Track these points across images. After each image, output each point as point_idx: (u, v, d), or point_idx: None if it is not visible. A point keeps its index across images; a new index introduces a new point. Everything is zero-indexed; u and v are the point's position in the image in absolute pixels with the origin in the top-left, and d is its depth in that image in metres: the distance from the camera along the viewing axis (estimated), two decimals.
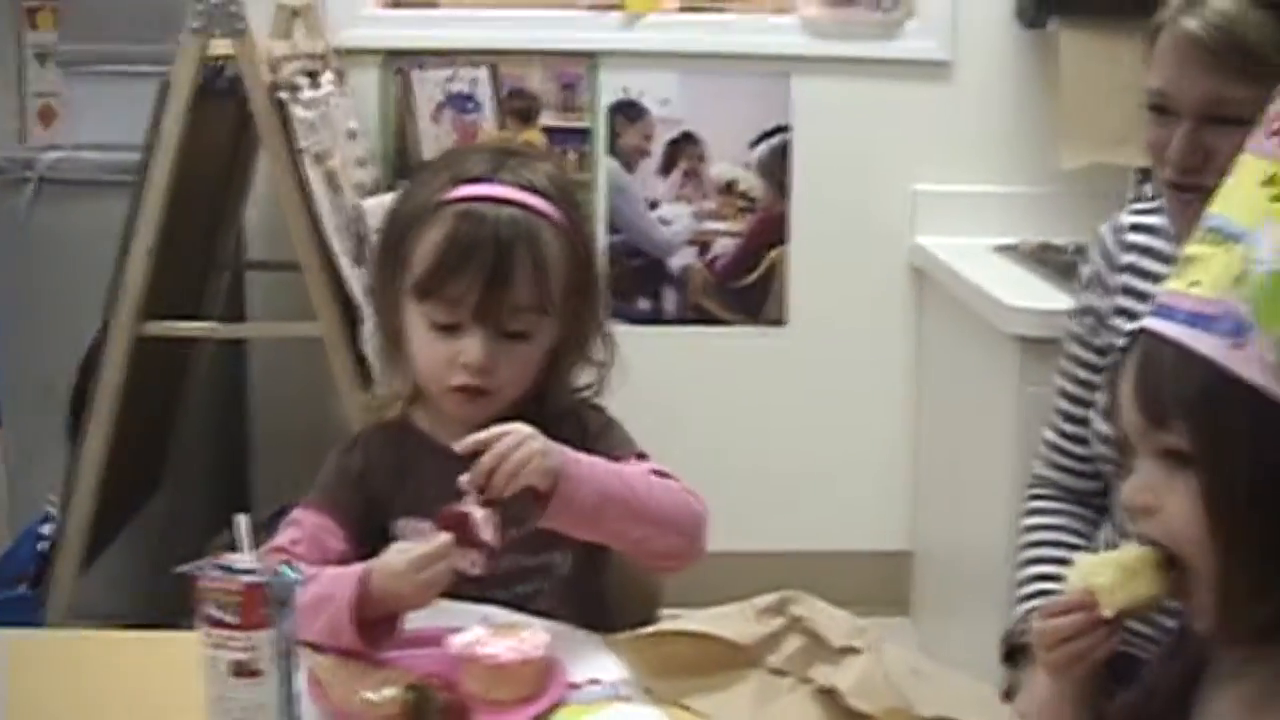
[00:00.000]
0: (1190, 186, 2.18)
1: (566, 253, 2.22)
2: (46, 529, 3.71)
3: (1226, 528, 1.48)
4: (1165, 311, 1.53)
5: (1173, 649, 1.72)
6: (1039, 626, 1.71)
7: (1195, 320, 1.48)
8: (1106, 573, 1.63)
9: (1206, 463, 1.48)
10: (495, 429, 2.07)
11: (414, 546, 2.04)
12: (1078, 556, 1.73)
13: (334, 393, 3.50)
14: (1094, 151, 4.18)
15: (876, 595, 4.51)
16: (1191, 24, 2.18)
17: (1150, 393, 1.52)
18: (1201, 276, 1.50)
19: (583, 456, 2.13)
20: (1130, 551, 1.62)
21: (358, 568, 2.06)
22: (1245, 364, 1.45)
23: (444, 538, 2.01)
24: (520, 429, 2.07)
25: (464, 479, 2.04)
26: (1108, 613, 1.64)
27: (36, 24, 7.02)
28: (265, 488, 4.13)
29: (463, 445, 2.06)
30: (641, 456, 2.31)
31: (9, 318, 4.23)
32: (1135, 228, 2.48)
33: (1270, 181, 1.49)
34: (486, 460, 2.03)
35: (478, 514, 2.04)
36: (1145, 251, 2.43)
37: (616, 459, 2.24)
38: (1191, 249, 1.54)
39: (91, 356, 3.59)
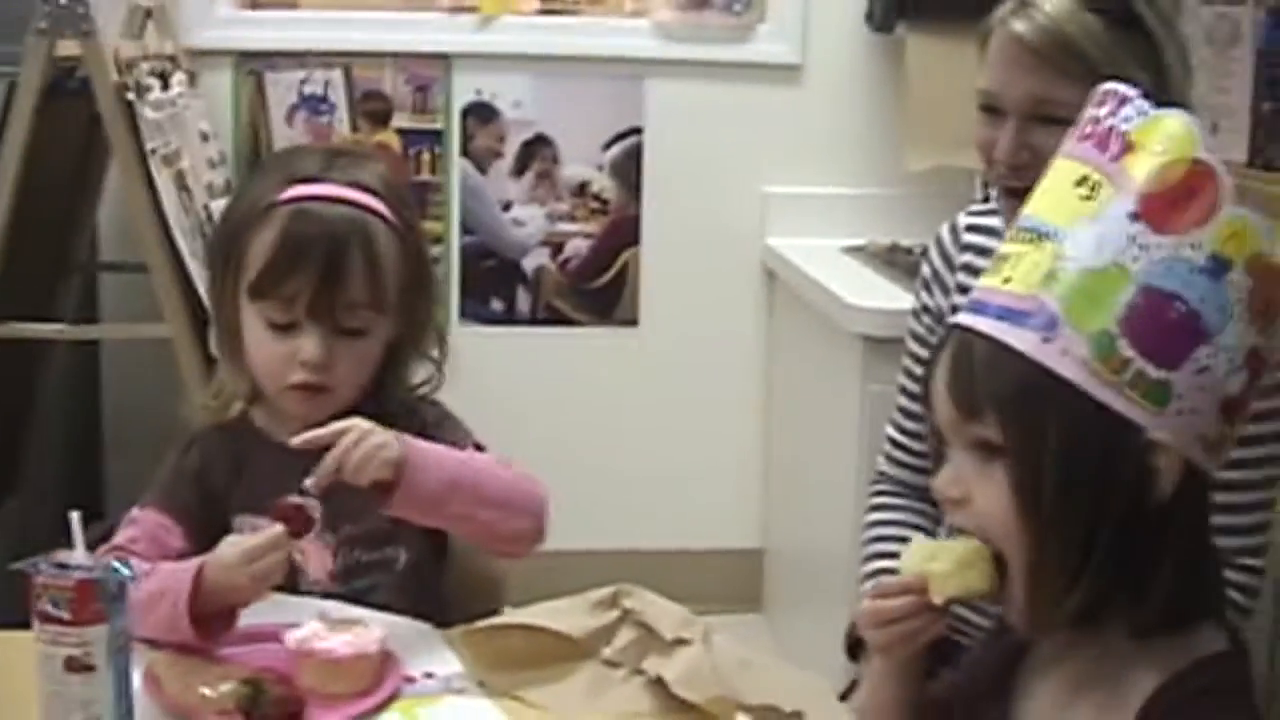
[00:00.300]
0: (1019, 188, 2.23)
1: (399, 250, 2.24)
2: None
3: (1036, 518, 1.53)
4: (978, 306, 1.58)
5: (996, 632, 1.77)
6: (868, 606, 1.74)
7: (1007, 315, 1.54)
8: (943, 561, 1.67)
9: (1017, 454, 1.53)
10: (334, 425, 2.09)
11: (246, 539, 2.06)
12: (915, 537, 1.76)
13: (185, 393, 3.50)
14: (939, 154, 4.24)
15: (729, 593, 4.57)
16: (1020, 26, 2.23)
17: (963, 385, 1.57)
18: (1013, 273, 1.55)
19: (425, 444, 2.15)
20: (969, 544, 1.65)
21: (193, 562, 2.07)
22: (1055, 358, 1.50)
23: (276, 529, 2.04)
24: (359, 424, 2.09)
25: (308, 482, 2.07)
26: (937, 599, 1.67)
27: None
28: (118, 489, 4.12)
29: (300, 440, 2.09)
30: (479, 448, 2.33)
31: None
32: (971, 228, 2.54)
33: (1081, 182, 1.55)
34: (330, 461, 2.06)
35: (311, 506, 2.07)
36: (981, 251, 2.47)
37: (461, 447, 2.28)
38: (1005, 247, 1.60)
39: None
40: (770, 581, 4.75)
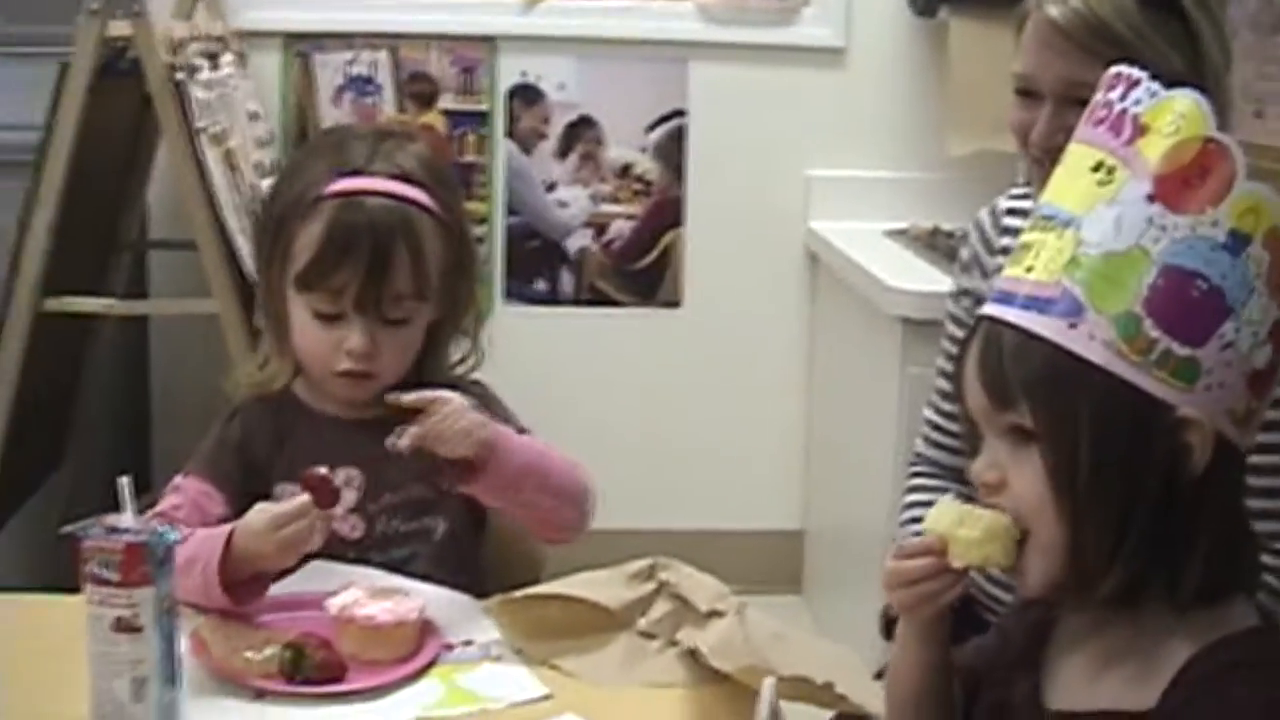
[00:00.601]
0: (1054, 165, 2.26)
1: (441, 237, 2.29)
2: None
3: (1072, 501, 1.54)
4: (1004, 297, 1.60)
5: (1026, 603, 1.78)
6: (890, 566, 1.76)
7: (1032, 304, 1.55)
8: (970, 528, 1.68)
9: (1050, 439, 1.55)
10: (429, 393, 2.16)
11: (273, 506, 2.11)
12: (943, 498, 1.76)
13: (231, 368, 3.54)
14: (981, 138, 4.24)
15: (769, 574, 4.60)
16: (1054, 10, 2.23)
17: (993, 375, 1.59)
18: (1035, 262, 1.57)
19: (507, 429, 2.22)
20: (999, 517, 1.67)
21: (224, 529, 2.12)
22: (1082, 343, 1.52)
23: (303, 498, 2.08)
24: (454, 398, 2.16)
25: (394, 439, 2.14)
26: (957, 564, 1.69)
27: None
28: (165, 462, 4.17)
29: (394, 398, 2.17)
30: (522, 431, 2.37)
31: None
32: (1011, 211, 2.54)
33: (1097, 168, 1.56)
34: (424, 428, 2.13)
35: (338, 477, 2.13)
36: (1020, 234, 2.49)
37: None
38: (1026, 236, 1.61)
39: None
40: (810, 563, 4.77)
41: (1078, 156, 1.60)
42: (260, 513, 2.10)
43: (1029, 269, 1.57)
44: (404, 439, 2.13)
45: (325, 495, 2.10)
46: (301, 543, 2.09)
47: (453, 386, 2.35)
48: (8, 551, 3.81)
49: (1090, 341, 1.52)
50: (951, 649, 1.83)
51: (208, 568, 2.07)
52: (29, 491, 3.96)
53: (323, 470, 2.12)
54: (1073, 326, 1.52)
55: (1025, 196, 2.53)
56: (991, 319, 1.60)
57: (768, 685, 1.49)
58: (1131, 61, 1.65)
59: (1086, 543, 1.55)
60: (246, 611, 2.09)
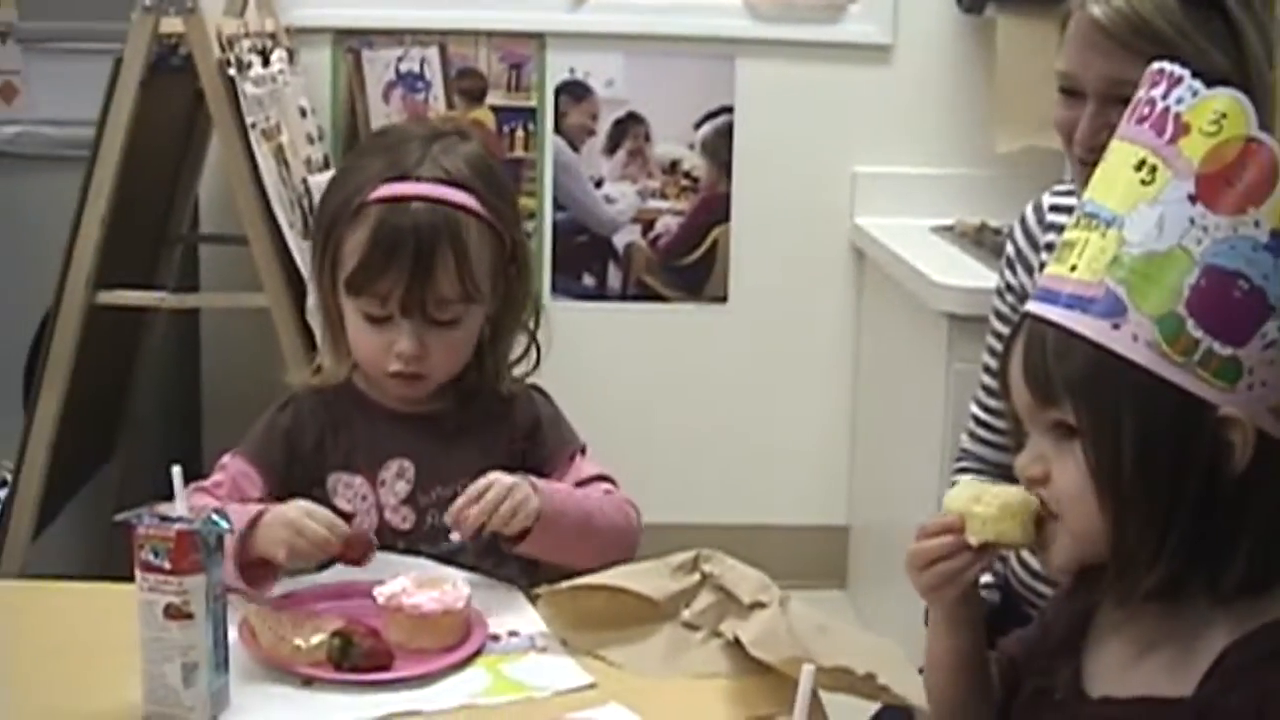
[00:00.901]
0: (1097, 163, 2.26)
1: (489, 239, 2.31)
2: (0, 494, 3.78)
3: (1115, 499, 1.56)
4: (1047, 295, 1.61)
5: (1068, 593, 1.80)
6: (911, 548, 1.78)
7: (1075, 303, 1.56)
8: (986, 504, 1.69)
9: (1093, 437, 1.56)
10: (480, 484, 2.18)
11: (311, 513, 2.14)
12: (963, 477, 1.77)
13: (282, 362, 3.57)
14: (1028, 135, 4.24)
15: (814, 569, 4.61)
16: (1096, 9, 2.24)
17: (1037, 373, 1.60)
18: (1078, 260, 1.58)
19: (553, 491, 2.24)
20: (1017, 494, 1.69)
21: (256, 507, 2.16)
22: (1125, 343, 1.53)
23: (335, 535, 2.13)
24: (500, 479, 2.18)
25: (454, 535, 2.18)
26: (972, 541, 1.70)
27: None
28: (215, 454, 4.20)
29: (450, 517, 2.18)
30: (583, 451, 2.43)
31: None
32: (1056, 208, 2.55)
33: (1140, 166, 1.57)
34: (478, 515, 2.15)
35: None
36: (1064, 231, 2.49)
37: (565, 454, 2.40)
38: (1069, 234, 1.62)
39: (46, 325, 3.65)
40: (855, 558, 4.78)
41: (1120, 154, 1.61)
42: (296, 510, 2.14)
43: (1072, 268, 1.58)
44: (460, 531, 2.17)
45: (356, 552, 2.14)
46: (302, 560, 2.13)
47: (524, 398, 2.43)
48: (60, 542, 3.84)
49: (1133, 342, 1.53)
50: (996, 642, 1.85)
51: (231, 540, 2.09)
52: (80, 483, 3.99)
53: (371, 536, 2.18)
54: (1116, 327, 1.53)
55: (1070, 193, 2.54)
56: (1035, 317, 1.62)
57: (807, 672, 1.51)
58: (1174, 59, 1.65)
59: (1128, 539, 1.57)
60: (248, 591, 2.11)
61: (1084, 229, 1.60)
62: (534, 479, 2.22)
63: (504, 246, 2.33)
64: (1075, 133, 2.32)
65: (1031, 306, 1.63)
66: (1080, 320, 1.56)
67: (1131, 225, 1.55)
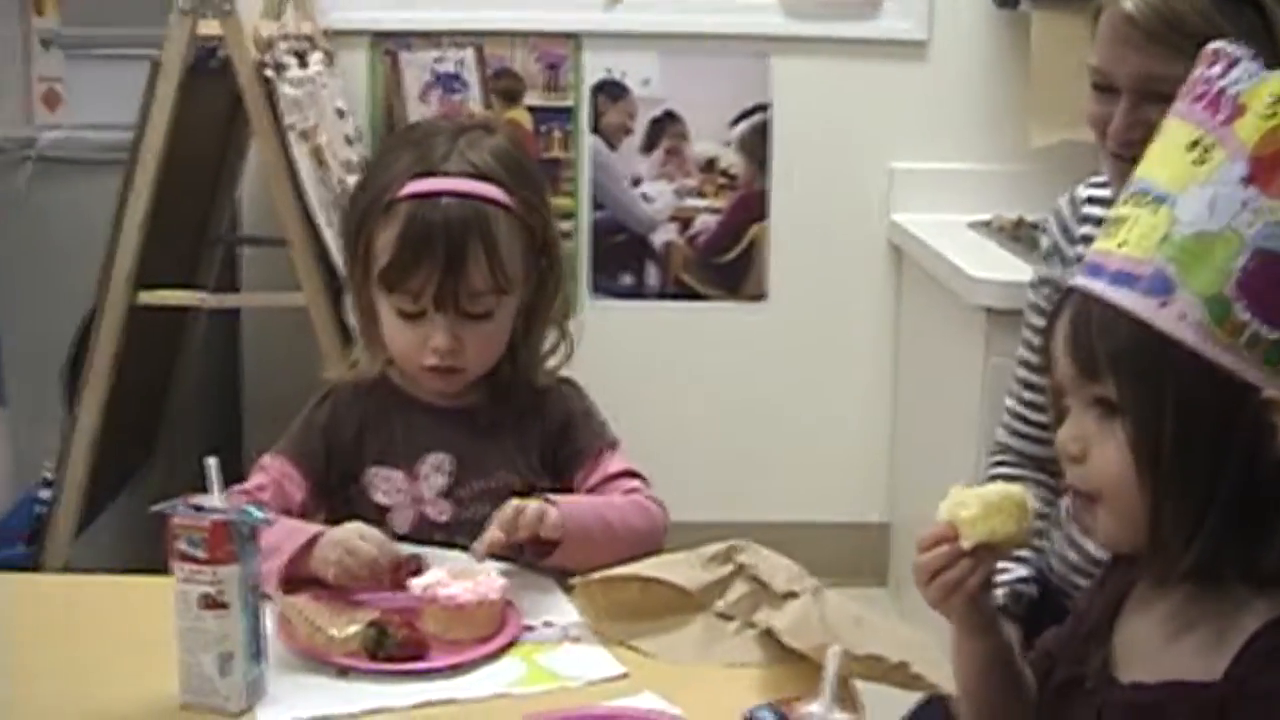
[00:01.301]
0: (1132, 158, 2.24)
1: (520, 231, 2.31)
2: (44, 494, 3.81)
3: (1155, 477, 1.55)
4: (1094, 269, 1.60)
5: (1100, 579, 1.80)
6: (913, 562, 1.78)
7: (1123, 279, 1.55)
8: (970, 506, 1.69)
9: (1135, 415, 1.55)
10: (501, 518, 2.19)
11: (370, 533, 2.17)
12: (953, 487, 1.78)
13: (321, 361, 3.59)
14: (1064, 129, 4.23)
15: (854, 566, 4.61)
16: (1128, 4, 2.22)
17: (1081, 347, 1.59)
18: (1128, 236, 1.57)
19: (576, 508, 2.25)
20: (996, 488, 1.69)
21: (313, 529, 2.18)
22: (1172, 322, 1.52)
23: (386, 557, 2.15)
24: (514, 506, 2.19)
25: (475, 547, 2.17)
26: (965, 544, 1.70)
27: (41, 10, 7.12)
28: (256, 453, 4.24)
29: (478, 551, 2.18)
30: (614, 446, 2.44)
31: (9, 292, 4.33)
32: (1091, 200, 2.52)
33: (1193, 146, 1.55)
34: (497, 531, 2.17)
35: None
36: (1100, 223, 2.42)
37: (595, 450, 2.41)
38: (1119, 210, 1.61)
39: (87, 326, 3.68)
40: (896, 555, 4.78)
41: (1175, 132, 1.60)
42: (348, 530, 2.17)
43: (1121, 244, 1.57)
44: (480, 549, 2.17)
45: (405, 573, 2.15)
46: (351, 578, 2.13)
47: (556, 394, 2.44)
48: (101, 541, 3.87)
49: (1180, 321, 1.52)
50: (1035, 640, 1.85)
51: (279, 559, 2.12)
52: (122, 482, 4.02)
53: (417, 563, 2.18)
54: (1163, 305, 1.52)
55: (1105, 185, 2.51)
56: (1081, 290, 1.62)
57: (832, 654, 1.51)
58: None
59: (1167, 519, 1.56)
60: (329, 590, 2.13)
61: (1134, 205, 1.59)
62: (552, 497, 2.23)
63: (534, 237, 2.34)
64: (1108, 128, 2.31)
65: (1078, 280, 1.62)
66: (1127, 296, 1.55)
67: (1183, 204, 1.54)
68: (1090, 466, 1.62)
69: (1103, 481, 1.60)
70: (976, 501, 1.69)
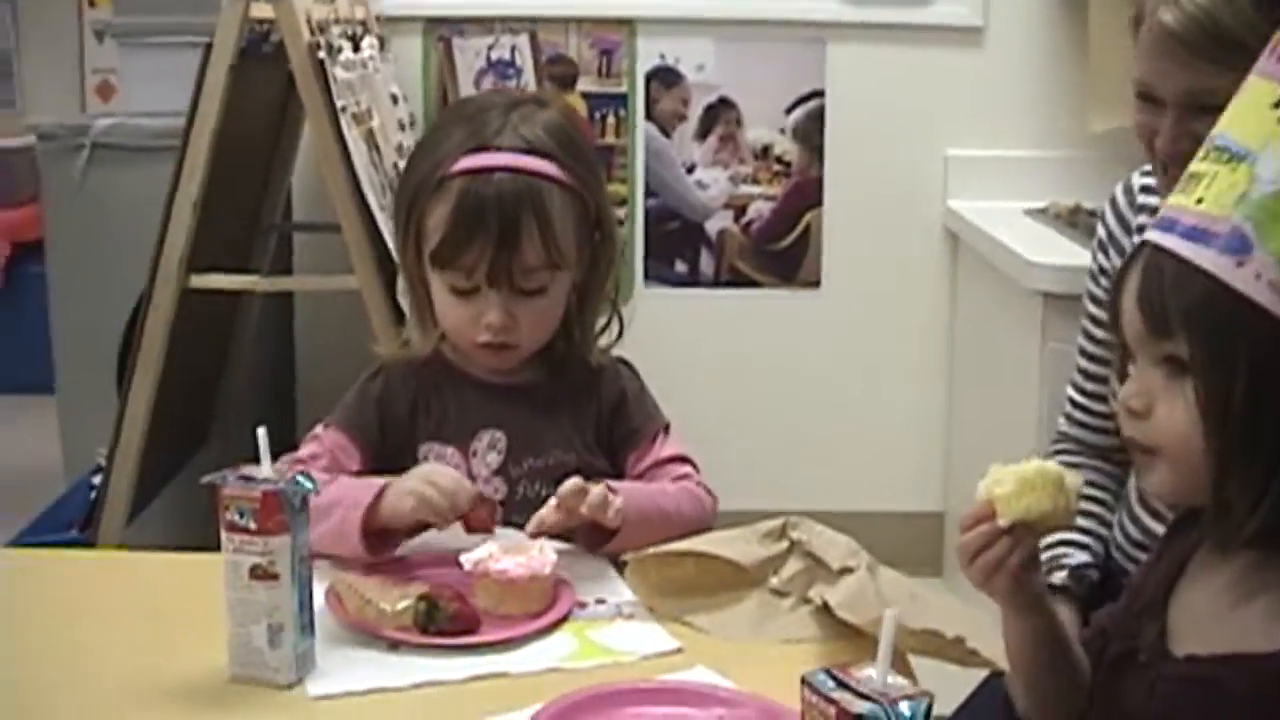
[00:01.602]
0: (1180, 169, 2.19)
1: (573, 206, 2.31)
2: (97, 479, 3.82)
3: (1222, 438, 1.53)
4: (1168, 224, 1.58)
5: (1157, 553, 1.78)
6: (956, 543, 1.76)
7: (1197, 235, 1.53)
8: (1006, 483, 1.68)
9: (1205, 373, 1.53)
10: (568, 489, 2.18)
11: (447, 469, 2.17)
12: (992, 467, 1.76)
13: (374, 344, 3.59)
14: (1123, 114, 4.16)
15: (909, 556, 4.53)
16: (1169, 17, 2.17)
17: (1153, 303, 1.57)
18: (1205, 193, 1.55)
19: (633, 493, 2.24)
20: (1032, 465, 1.67)
21: (377, 481, 2.17)
22: (1246, 280, 1.50)
23: (466, 496, 2.14)
24: (593, 489, 2.18)
25: (529, 526, 2.17)
26: (1002, 523, 1.69)
27: (94, 2, 7.17)
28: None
29: (531, 528, 2.18)
30: (666, 428, 2.43)
31: (64, 278, 4.35)
32: (1146, 189, 2.49)
33: (1277, 105, 1.54)
34: (557, 521, 2.17)
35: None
36: (1155, 212, 2.43)
37: (649, 431, 2.41)
38: (1196, 165, 1.58)
39: (140, 310, 3.69)
40: (951, 544, 4.73)
41: (1257, 91, 1.57)
42: (425, 468, 2.18)
43: (1199, 200, 1.55)
44: (534, 527, 2.17)
45: (484, 512, 2.16)
46: (432, 509, 2.12)
47: (611, 371, 2.43)
48: (155, 527, 3.87)
49: (1256, 281, 1.50)
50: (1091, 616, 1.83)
51: (351, 513, 2.11)
52: (176, 468, 4.02)
53: (492, 506, 2.20)
54: (1239, 264, 1.51)
55: None
56: (1154, 245, 1.59)
57: (889, 617, 1.49)
58: (1250, 62, 1.62)
59: (1233, 482, 1.54)
60: (381, 565, 2.12)
61: (1213, 161, 1.57)
62: (612, 483, 2.22)
63: (587, 212, 2.33)
64: (1156, 139, 2.28)
65: (1151, 235, 1.60)
66: (1203, 254, 1.53)
67: (1265, 162, 1.52)
68: (1154, 423, 1.60)
69: (1167, 439, 1.59)
70: (1012, 478, 1.68)
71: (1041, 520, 1.70)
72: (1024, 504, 1.67)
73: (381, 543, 2.15)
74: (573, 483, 2.16)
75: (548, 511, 2.16)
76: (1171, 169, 2.23)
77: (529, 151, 2.28)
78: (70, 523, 3.85)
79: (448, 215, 2.26)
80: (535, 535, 2.15)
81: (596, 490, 2.16)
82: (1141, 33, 2.25)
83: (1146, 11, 2.23)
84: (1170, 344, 1.56)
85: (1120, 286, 1.63)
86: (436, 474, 2.15)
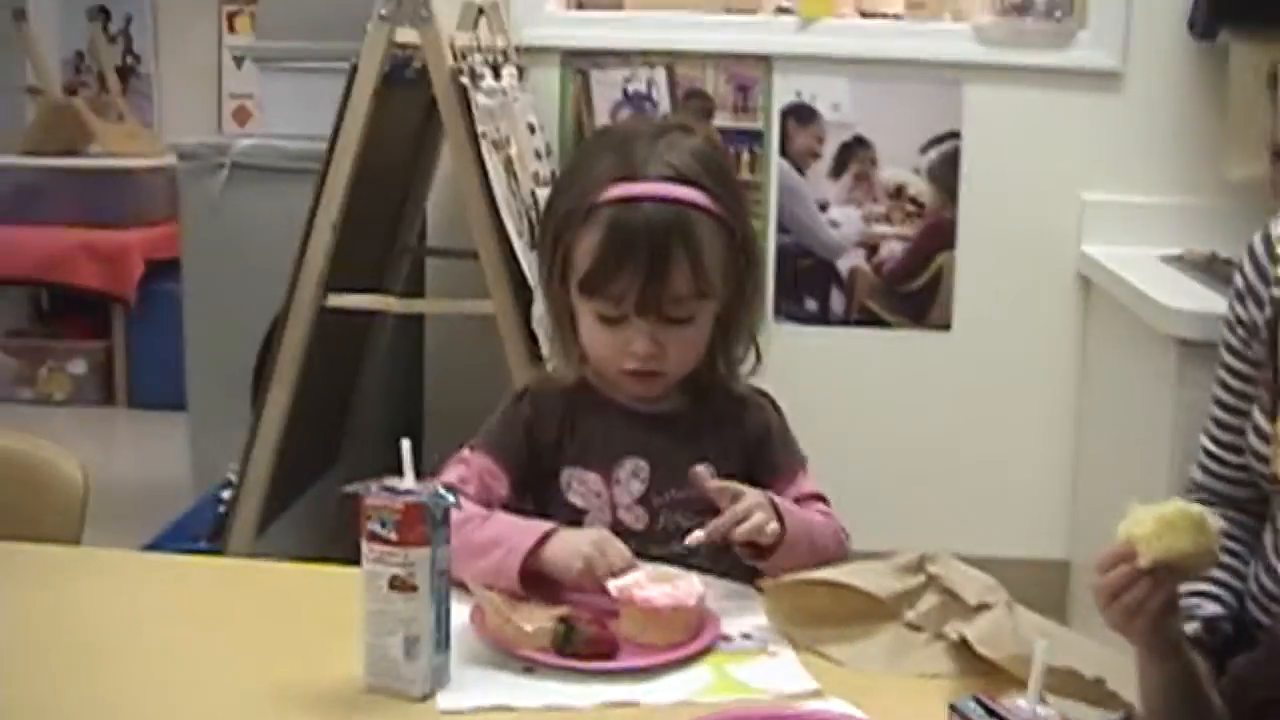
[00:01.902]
0: None
1: (721, 235, 2.29)
2: (225, 494, 3.85)
3: None
4: None
5: None
6: (1092, 584, 1.75)
7: None
8: (1146, 524, 1.67)
9: None
10: (733, 487, 2.20)
11: (607, 541, 2.15)
12: (1131, 507, 1.74)
13: (506, 371, 3.61)
14: (1261, 163, 4.15)
15: (1033, 604, 4.51)
16: None
17: None
18: None
19: (791, 517, 2.23)
20: (1173, 505, 1.66)
21: (543, 525, 2.16)
22: None
23: (619, 566, 2.12)
24: (752, 496, 2.20)
25: (691, 538, 2.18)
26: (1143, 563, 1.67)
27: (234, 27, 7.28)
28: (437, 463, 4.28)
29: (707, 484, 2.21)
30: (804, 465, 2.43)
31: (199, 295, 4.40)
32: None
33: None
34: (721, 529, 2.17)
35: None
36: None
37: (791, 468, 2.40)
38: None
39: (276, 328, 3.72)
40: (1075, 594, 4.71)
41: None
42: (592, 538, 2.15)
43: None
44: (700, 536, 2.17)
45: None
46: (594, 576, 2.11)
47: (755, 401, 2.42)
48: (280, 544, 3.90)
49: None
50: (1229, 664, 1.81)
51: (512, 553, 2.11)
52: (304, 488, 4.05)
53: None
54: None
55: None
56: None
57: (1040, 648, 1.48)
58: None
59: None
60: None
61: None
62: (777, 500, 2.22)
63: (734, 240, 2.32)
64: None
65: None
66: None
67: None
68: None
69: None
70: (1152, 519, 1.67)
71: (1184, 560, 1.68)
72: (1165, 543, 1.66)
73: (536, 585, 2.14)
74: (744, 500, 2.18)
75: (712, 529, 2.17)
76: None
77: (677, 179, 2.27)
78: (198, 535, 3.88)
79: (597, 244, 2.25)
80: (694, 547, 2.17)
81: (756, 519, 2.17)
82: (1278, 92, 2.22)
83: None
84: None
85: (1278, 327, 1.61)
86: (611, 545, 2.14)
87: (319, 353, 3.71)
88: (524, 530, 2.15)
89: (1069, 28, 4.58)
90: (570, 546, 2.13)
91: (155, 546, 4.00)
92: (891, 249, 4.69)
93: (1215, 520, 1.69)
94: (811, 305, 4.72)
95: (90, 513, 2.51)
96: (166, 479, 4.98)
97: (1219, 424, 2.56)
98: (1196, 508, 1.66)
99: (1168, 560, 1.67)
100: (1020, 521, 4.82)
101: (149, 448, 5.93)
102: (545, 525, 2.16)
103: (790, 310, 4.70)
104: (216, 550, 3.71)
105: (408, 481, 1.86)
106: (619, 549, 2.14)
